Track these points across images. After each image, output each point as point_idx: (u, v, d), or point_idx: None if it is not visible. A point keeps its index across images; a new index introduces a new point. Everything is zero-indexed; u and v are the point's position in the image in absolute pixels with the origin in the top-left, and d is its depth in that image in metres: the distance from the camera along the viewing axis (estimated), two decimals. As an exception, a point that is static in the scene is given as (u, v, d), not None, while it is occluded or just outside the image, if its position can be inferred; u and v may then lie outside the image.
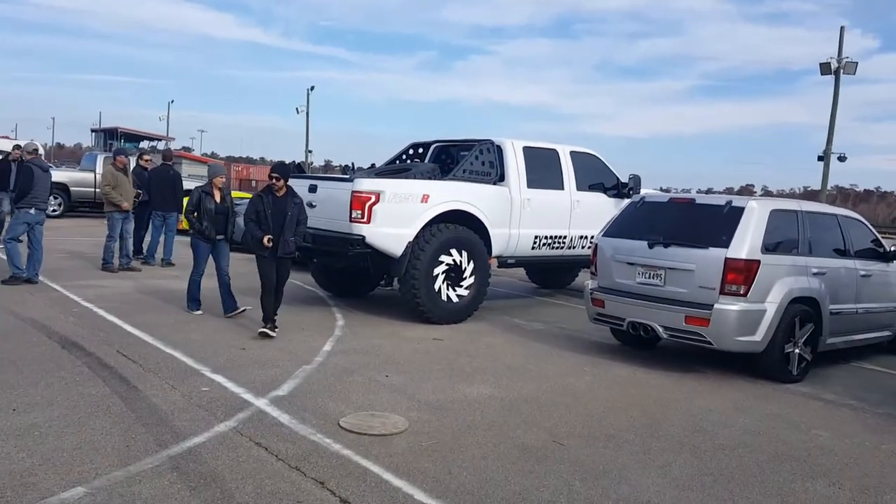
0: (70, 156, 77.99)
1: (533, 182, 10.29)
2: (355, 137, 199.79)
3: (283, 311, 9.40)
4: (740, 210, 7.22)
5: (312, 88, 70.16)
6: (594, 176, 11.21)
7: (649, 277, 7.51)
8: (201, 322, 8.61)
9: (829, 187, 45.16)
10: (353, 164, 17.70)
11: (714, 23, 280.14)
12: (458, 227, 9.39)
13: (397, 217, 8.94)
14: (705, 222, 7.43)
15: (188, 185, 24.08)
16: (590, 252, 11.06)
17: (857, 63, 40.66)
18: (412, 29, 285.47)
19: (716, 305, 6.98)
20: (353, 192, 8.82)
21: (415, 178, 9.68)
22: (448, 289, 9.35)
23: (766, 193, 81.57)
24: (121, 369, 6.41)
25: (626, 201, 11.30)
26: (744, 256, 6.97)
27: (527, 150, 10.40)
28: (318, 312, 9.64)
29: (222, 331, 8.23)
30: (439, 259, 9.21)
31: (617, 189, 11.35)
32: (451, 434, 5.22)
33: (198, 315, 9.01)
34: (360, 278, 10.83)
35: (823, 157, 40.80)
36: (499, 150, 10.19)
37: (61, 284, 10.50)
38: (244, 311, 9.07)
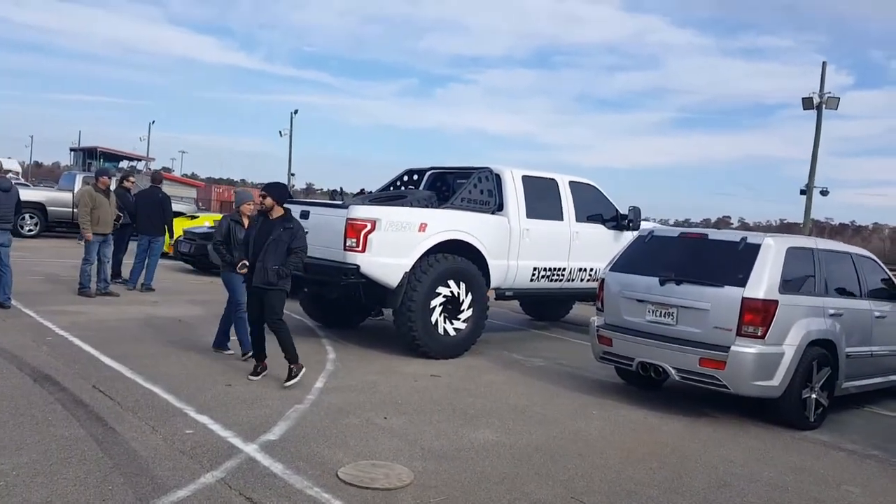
0: (48, 174, 77.02)
1: (532, 212, 9.96)
2: (338, 162, 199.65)
3: (268, 341, 8.96)
4: (756, 247, 6.90)
5: (296, 112, 69.91)
6: (593, 207, 10.91)
7: (660, 316, 7.15)
8: (183, 354, 8.12)
9: (801, 221, 45.41)
10: (340, 188, 17.38)
11: (690, 57, 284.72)
12: (457, 258, 9.00)
13: (394, 246, 8.55)
14: (719, 259, 7.10)
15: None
16: (588, 285, 10.86)
17: (838, 98, 41.04)
18: (393, 57, 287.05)
19: (732, 347, 6.62)
20: (347, 219, 8.42)
21: (411, 205, 9.30)
22: (445, 322, 8.93)
23: (743, 225, 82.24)
24: (97, 407, 5.92)
25: (627, 234, 11.12)
26: (762, 296, 6.64)
27: (526, 179, 10.07)
28: (308, 345, 9.17)
29: (206, 364, 7.74)
30: (437, 291, 8.81)
31: (616, 221, 11.05)
32: (461, 488, 4.79)
33: (197, 354, 8.48)
34: (351, 308, 10.39)
35: (806, 191, 41.04)
36: (497, 179, 9.85)
37: (35, 310, 9.96)
38: (230, 353, 8.29)
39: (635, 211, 10.97)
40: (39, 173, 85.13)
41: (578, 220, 10.52)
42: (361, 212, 8.46)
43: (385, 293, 8.72)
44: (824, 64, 41.64)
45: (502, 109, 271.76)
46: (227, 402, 6.34)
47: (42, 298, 10.96)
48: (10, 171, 33.20)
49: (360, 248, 8.37)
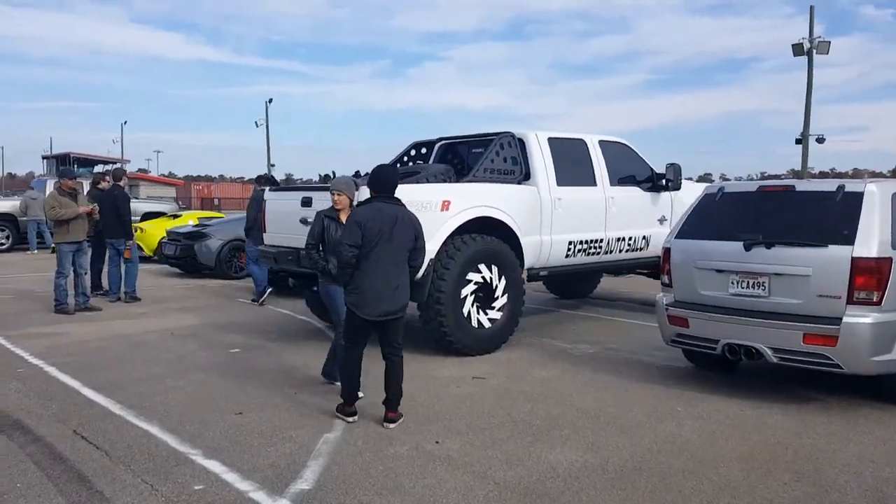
0: (23, 185, 74.83)
1: (563, 179, 8.75)
2: (316, 149, 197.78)
3: (276, 351, 7.76)
4: (859, 196, 5.74)
5: (271, 101, 68.05)
6: (626, 168, 9.71)
7: (748, 287, 5.99)
8: (180, 376, 6.89)
9: (784, 171, 44.53)
10: (333, 173, 16.14)
11: (660, 17, 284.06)
12: (486, 238, 7.80)
13: (415, 230, 7.33)
14: (813, 214, 5.93)
15: (148, 207, 22.41)
16: (627, 256, 9.70)
17: (829, 42, 39.90)
18: (363, 38, 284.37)
19: (844, 318, 5.47)
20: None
21: (426, 181, 8.06)
22: (478, 312, 7.75)
23: (725, 181, 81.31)
24: (79, 461, 4.71)
25: (664, 195, 9.94)
26: (875, 254, 5.48)
27: (553, 141, 8.85)
28: (321, 352, 7.91)
29: (207, 388, 6.53)
30: (467, 277, 7.62)
31: (652, 182, 9.86)
32: (568, 543, 3.63)
33: (196, 375, 7.24)
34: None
35: (801, 140, 40.06)
36: (521, 144, 8.62)
37: (4, 335, 8.71)
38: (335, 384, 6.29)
39: (674, 169, 9.77)
40: (14, 185, 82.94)
41: (612, 183, 9.33)
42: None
43: (412, 285, 7.51)
44: (812, 8, 40.37)
45: (477, 84, 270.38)
46: (241, 439, 5.14)
47: (13, 320, 9.69)
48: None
49: (375, 236, 7.14)
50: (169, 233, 15.38)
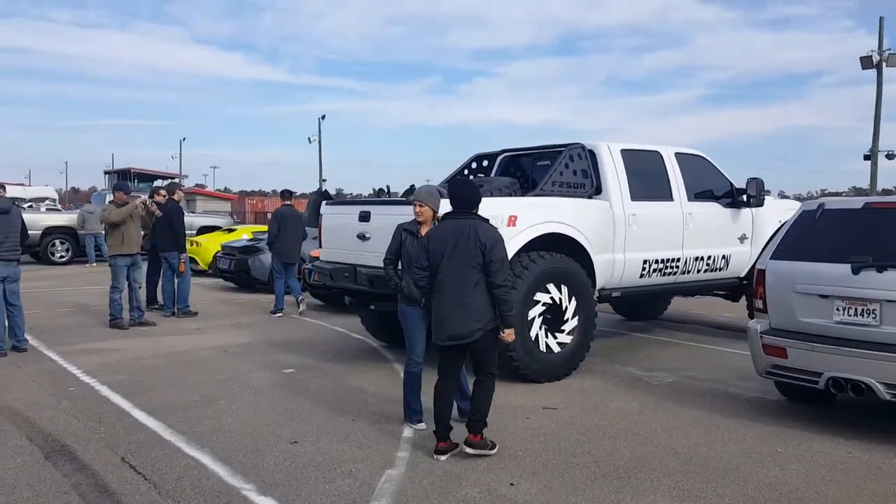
0: (85, 199, 76.93)
1: (637, 193, 8.20)
2: (367, 165, 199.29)
3: (331, 372, 7.36)
4: None
5: (323, 118, 68.90)
6: (704, 182, 9.11)
7: (855, 314, 5.37)
8: (232, 398, 6.54)
9: (846, 189, 43.04)
10: (387, 186, 15.78)
11: (717, 32, 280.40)
12: (556, 256, 7.31)
13: (481, 247, 6.88)
14: (932, 233, 5.30)
15: (204, 221, 22.47)
16: (705, 277, 9.07)
17: (900, 54, 38.42)
18: (416, 56, 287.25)
19: (974, 352, 4.83)
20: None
21: (491, 195, 7.60)
22: (547, 336, 7.24)
23: (783, 198, 78.97)
24: (127, 494, 4.36)
25: (745, 211, 9.31)
26: None
27: (626, 153, 8.32)
28: (378, 374, 7.56)
29: (261, 412, 6.15)
30: (534, 298, 7.13)
31: (732, 197, 9.23)
32: None
33: (250, 398, 6.89)
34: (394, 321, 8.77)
35: (871, 156, 38.54)
36: (592, 156, 8.11)
37: (58, 350, 8.51)
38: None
39: (756, 183, 9.12)
40: (77, 198, 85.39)
41: (690, 198, 8.74)
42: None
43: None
44: (881, 20, 39.01)
45: (529, 100, 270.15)
46: (297, 472, 4.73)
47: (67, 335, 9.53)
48: (48, 197, 32.36)
49: (440, 253, 6.71)
50: (223, 247, 15.24)
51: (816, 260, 5.68)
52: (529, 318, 7.09)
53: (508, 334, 5.03)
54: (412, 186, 14.90)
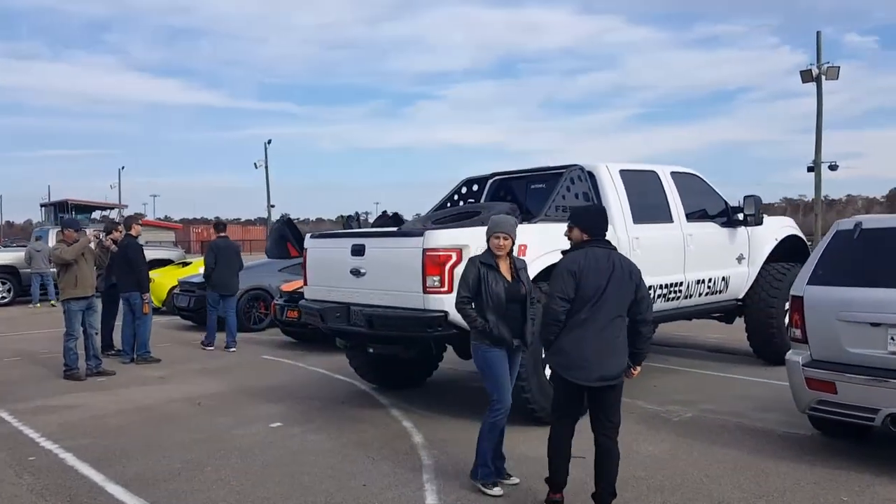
0: (21, 233, 74.03)
1: (638, 216, 7.77)
2: (315, 189, 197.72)
3: (325, 424, 6.62)
4: None
5: (270, 142, 68.10)
6: (699, 201, 8.75)
7: (913, 344, 4.96)
8: (220, 463, 5.80)
9: (778, 200, 44.05)
10: (356, 213, 15.13)
11: (649, 52, 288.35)
12: (565, 287, 6.77)
13: (488, 281, 6.32)
14: None
15: (154, 254, 21.30)
16: (707, 300, 8.67)
17: (838, 68, 39.51)
18: (359, 80, 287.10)
19: None
20: (424, 250, 6.18)
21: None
22: (560, 374, 6.69)
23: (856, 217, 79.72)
24: None
25: (741, 230, 8.96)
26: None
27: (624, 174, 7.90)
28: (378, 424, 6.90)
29: (257, 480, 5.43)
30: (547, 334, 6.57)
31: (727, 216, 8.88)
32: None
33: (239, 462, 6.15)
34: (413, 363, 8.15)
35: (814, 167, 39.40)
36: (591, 178, 7.65)
37: (10, 409, 7.62)
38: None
39: (754, 201, 8.76)
40: (12, 233, 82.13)
41: (688, 219, 8.35)
42: (443, 238, 6.23)
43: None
44: (819, 34, 40.10)
45: (471, 121, 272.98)
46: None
47: (19, 389, 8.61)
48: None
49: (445, 288, 6.13)
50: (181, 283, 14.34)
51: (861, 284, 5.27)
52: (542, 356, 6.54)
53: (638, 371, 4.71)
54: (350, 216, 14.32)
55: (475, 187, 8.85)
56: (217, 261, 11.43)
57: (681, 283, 8.13)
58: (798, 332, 5.63)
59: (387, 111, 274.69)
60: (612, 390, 4.54)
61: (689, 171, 8.82)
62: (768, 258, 9.23)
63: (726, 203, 8.99)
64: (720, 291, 8.74)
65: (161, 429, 6.85)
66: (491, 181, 8.82)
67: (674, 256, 8.07)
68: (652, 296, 7.78)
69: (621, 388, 4.60)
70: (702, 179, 8.93)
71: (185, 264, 17.62)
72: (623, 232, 7.52)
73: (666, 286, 7.97)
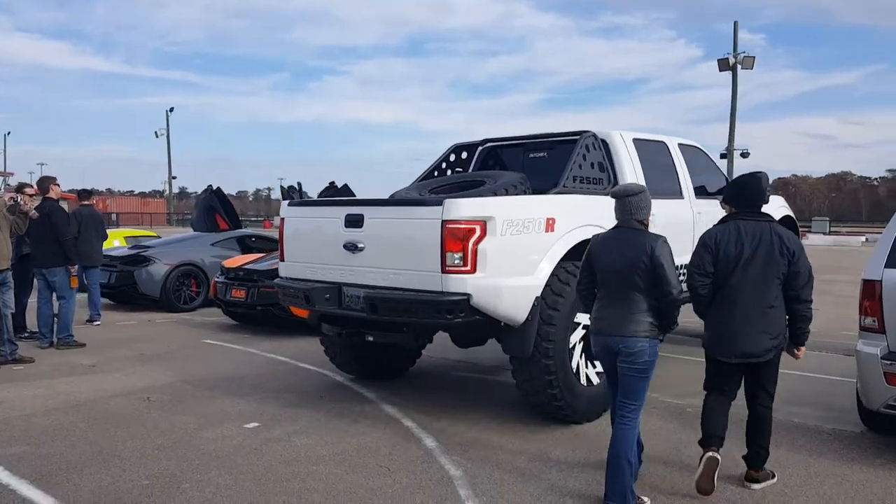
0: None
1: (653, 190, 6.96)
2: (213, 163, 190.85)
3: (312, 426, 5.56)
4: None
5: (172, 110, 64.81)
6: (703, 177, 8.11)
7: None
8: (199, 476, 4.71)
9: None
10: (299, 184, 13.97)
11: (555, 39, 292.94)
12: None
13: (516, 259, 5.45)
14: None
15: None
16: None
17: (754, 58, 40.54)
18: (261, 51, 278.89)
19: None
20: (444, 222, 5.22)
21: (498, 194, 6.15)
22: (587, 365, 5.91)
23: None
24: None
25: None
26: None
27: (637, 143, 7.16)
28: (373, 422, 5.93)
29: (259, 498, 4.39)
30: (575, 320, 5.77)
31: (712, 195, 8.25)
32: None
33: (222, 476, 5.05)
34: (398, 351, 7.20)
35: (727, 154, 40.35)
36: (605, 147, 6.86)
37: None
38: None
39: (762, 179, 8.15)
40: None
41: (696, 195, 7.71)
42: (466, 208, 5.28)
43: (505, 334, 5.62)
44: (736, 24, 41.06)
45: (379, 99, 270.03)
46: None
47: (-85, 383, 7.13)
48: None
49: (468, 268, 5.21)
50: (100, 256, 12.74)
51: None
52: (571, 345, 5.73)
53: (802, 352, 4.50)
54: (291, 187, 13.19)
55: (464, 154, 7.90)
56: (81, 230, 10.42)
57: (690, 265, 7.46)
58: (872, 321, 5.02)
59: (292, 84, 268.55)
60: (765, 366, 4.41)
61: (693, 143, 8.18)
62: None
63: (727, 179, 8.40)
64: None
65: (110, 431, 5.65)
66: (481, 148, 7.90)
67: (685, 235, 7.38)
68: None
69: (776, 363, 4.45)
70: (704, 153, 8.32)
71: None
72: (640, 207, 6.75)
73: (678, 267, 7.27)
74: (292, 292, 6.17)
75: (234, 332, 10.04)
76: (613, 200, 4.44)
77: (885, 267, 5.00)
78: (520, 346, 5.50)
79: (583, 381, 5.82)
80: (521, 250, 5.46)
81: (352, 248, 5.75)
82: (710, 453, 4.33)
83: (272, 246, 13.59)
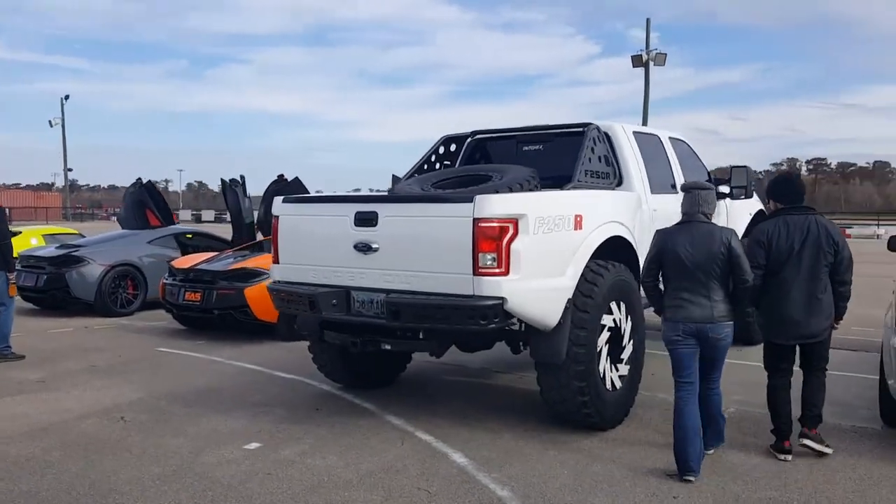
0: None
1: (653, 184, 6.87)
2: (107, 152, 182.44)
3: (323, 446, 5.08)
4: None
5: (67, 98, 61.52)
6: (692, 172, 7.99)
7: None
8: (223, 512, 4.17)
9: None
10: (242, 177, 13.27)
11: (458, 31, 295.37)
12: (616, 266, 5.71)
13: (548, 259, 5.13)
14: None
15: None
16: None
17: (665, 55, 41.56)
18: (157, 37, 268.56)
19: None
20: (476, 220, 4.83)
21: (512, 190, 5.77)
22: (610, 369, 5.65)
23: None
24: None
25: (721, 203, 8.27)
26: None
27: (637, 136, 6.95)
28: (386, 437, 5.49)
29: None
30: (602, 322, 5.49)
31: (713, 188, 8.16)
32: None
33: None
34: (391, 357, 6.77)
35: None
36: (608, 140, 6.62)
37: None
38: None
39: (746, 172, 8.12)
40: None
41: (686, 190, 7.57)
42: (499, 205, 4.90)
43: (535, 339, 5.27)
44: (648, 21, 41.95)
45: (281, 88, 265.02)
46: None
47: None
48: None
49: (501, 269, 4.84)
50: (23, 257, 11.63)
51: None
52: (599, 349, 5.45)
53: (839, 323, 4.97)
54: (234, 180, 12.56)
55: (453, 147, 7.49)
56: None
57: (685, 261, 7.34)
58: (901, 315, 4.95)
59: (189, 72, 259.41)
60: (818, 345, 4.91)
61: (680, 136, 8.05)
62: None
63: (709, 174, 8.35)
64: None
65: (93, 460, 4.99)
66: (469, 140, 7.51)
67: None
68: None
69: (828, 340, 4.95)
70: (690, 146, 8.20)
71: (14, 234, 14.57)
72: (645, 202, 6.56)
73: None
74: (292, 297, 5.63)
75: (188, 339, 9.30)
76: (682, 193, 4.96)
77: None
78: (552, 352, 5.17)
79: (608, 385, 5.55)
80: (552, 250, 5.15)
81: (364, 248, 5.28)
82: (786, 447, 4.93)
83: (212, 243, 12.82)
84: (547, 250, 5.09)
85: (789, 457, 4.86)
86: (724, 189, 8.14)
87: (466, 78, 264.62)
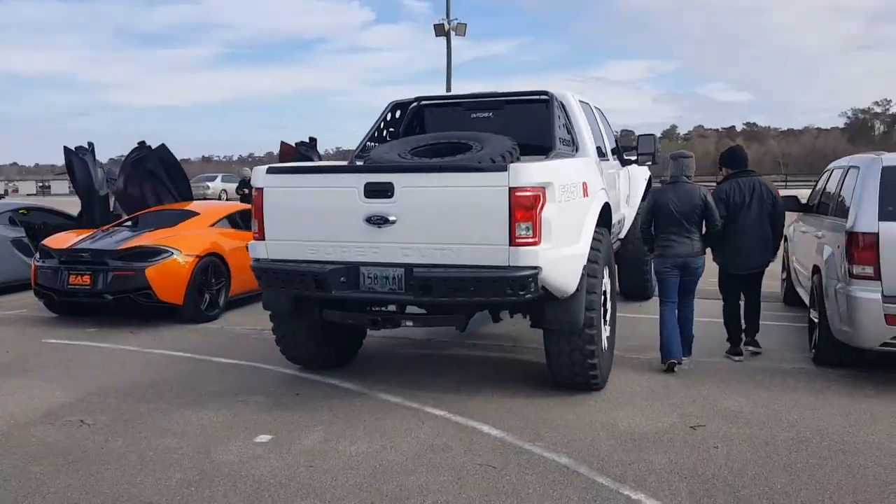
0: None
1: (599, 150, 7.13)
2: None
3: (330, 431, 4.83)
4: None
5: None
6: (609, 137, 8.34)
7: None
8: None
9: (355, 145, 48.94)
10: (90, 144, 12.03)
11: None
12: (604, 231, 5.89)
13: (569, 226, 5.18)
14: None
15: None
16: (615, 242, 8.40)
17: (466, 24, 42.46)
18: None
19: None
20: (512, 189, 4.75)
21: (495, 160, 5.68)
22: (606, 330, 5.84)
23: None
24: None
25: (624, 169, 8.66)
26: None
27: (582, 104, 7.14)
28: (400, 418, 5.27)
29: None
30: (604, 288, 5.66)
31: (619, 154, 8.52)
32: None
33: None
34: (352, 334, 6.50)
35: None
36: (563, 108, 6.73)
37: None
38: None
39: (653, 140, 8.49)
40: None
41: (612, 157, 7.92)
42: (534, 174, 4.84)
43: (551, 308, 5.29)
44: (448, -8, 42.60)
45: (31, 46, 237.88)
46: None
47: None
48: None
49: (535, 238, 4.82)
50: None
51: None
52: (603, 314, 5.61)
53: (775, 254, 6.65)
54: (90, 143, 11.41)
55: (398, 113, 7.21)
56: None
57: (622, 222, 7.78)
58: (868, 269, 5.61)
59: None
60: (759, 275, 6.61)
61: (595, 104, 8.35)
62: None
63: (616, 139, 8.75)
64: (619, 233, 8.53)
65: (92, 472, 4.32)
66: (413, 106, 7.27)
67: (618, 193, 7.64)
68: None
69: (763, 272, 6.64)
70: (604, 114, 8.53)
71: None
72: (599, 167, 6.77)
73: (618, 223, 7.52)
74: (292, 276, 5.18)
75: (74, 328, 8.23)
76: (670, 160, 6.46)
77: (881, 220, 5.59)
78: (570, 319, 5.22)
79: (605, 346, 5.75)
80: (571, 217, 5.20)
81: (379, 221, 4.98)
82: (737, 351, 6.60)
83: (54, 219, 11.41)
84: (568, 217, 5.12)
85: (741, 358, 6.48)
86: (632, 157, 8.59)
87: (242, 40, 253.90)
